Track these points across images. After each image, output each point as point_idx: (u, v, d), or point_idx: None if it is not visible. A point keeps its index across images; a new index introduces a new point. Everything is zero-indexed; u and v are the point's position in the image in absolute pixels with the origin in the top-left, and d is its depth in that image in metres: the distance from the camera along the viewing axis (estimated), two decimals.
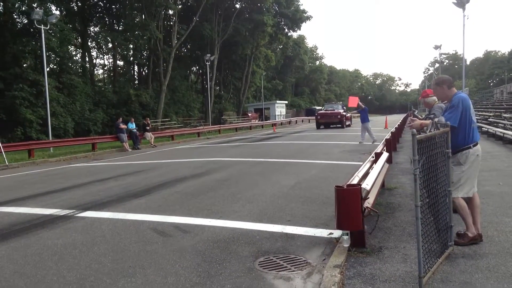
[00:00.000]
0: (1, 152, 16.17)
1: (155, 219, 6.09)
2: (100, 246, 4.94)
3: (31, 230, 5.83)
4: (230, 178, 9.78)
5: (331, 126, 33.42)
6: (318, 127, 33.06)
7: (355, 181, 4.88)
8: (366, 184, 4.87)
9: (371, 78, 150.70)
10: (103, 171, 12.58)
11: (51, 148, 20.84)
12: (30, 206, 7.48)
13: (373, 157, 7.16)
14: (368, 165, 6.36)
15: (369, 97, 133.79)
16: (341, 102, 38.06)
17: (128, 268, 4.18)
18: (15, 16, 29.71)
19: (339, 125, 32.70)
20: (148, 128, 24.17)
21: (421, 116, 7.14)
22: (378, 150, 7.98)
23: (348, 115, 34.93)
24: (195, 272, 4.01)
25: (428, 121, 4.63)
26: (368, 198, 4.86)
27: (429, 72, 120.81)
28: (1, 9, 28.47)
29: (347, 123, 34.20)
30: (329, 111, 33.72)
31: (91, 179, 10.74)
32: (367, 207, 4.66)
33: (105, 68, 50.64)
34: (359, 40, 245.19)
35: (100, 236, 5.36)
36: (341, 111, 33.30)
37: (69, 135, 28.62)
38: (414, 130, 3.44)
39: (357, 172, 5.56)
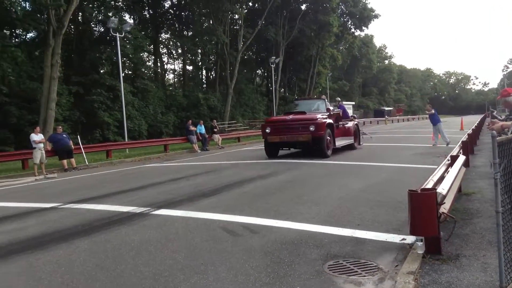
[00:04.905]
0: (82, 152, 17.45)
1: (224, 219, 6.24)
2: (173, 243, 5.16)
3: (110, 226, 6.22)
4: (296, 180, 9.78)
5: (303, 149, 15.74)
6: (268, 154, 15.45)
7: (429, 185, 4.68)
8: (442, 189, 4.64)
9: (444, 77, 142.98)
10: (175, 171, 13.13)
11: (127, 149, 22.12)
12: (109, 203, 7.99)
13: (448, 160, 6.81)
14: (443, 168, 6.06)
15: (443, 97, 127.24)
16: (329, 100, 18.13)
17: (200, 265, 4.33)
18: (93, 25, 31.99)
19: (317, 149, 14.30)
20: (215, 130, 24.84)
21: (501, 117, 6.65)
22: (454, 152, 7.59)
23: (349, 124, 17.43)
24: (265, 272, 4.06)
25: (509, 123, 4.33)
26: (444, 203, 4.64)
27: (508, 70, 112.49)
28: (80, 18, 30.72)
29: (343, 142, 15.99)
30: (292, 119, 14.94)
31: (164, 179, 11.26)
32: (443, 212, 4.45)
33: (175, 73, 52.79)
34: (431, 37, 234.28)
35: (173, 233, 5.60)
36: (320, 116, 14.67)
37: (143, 137, 30.19)
38: (494, 132, 3.24)
39: (431, 176, 5.32)
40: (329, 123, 14.78)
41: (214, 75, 44.09)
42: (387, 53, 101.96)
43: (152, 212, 6.98)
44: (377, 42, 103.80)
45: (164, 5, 40.41)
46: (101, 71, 30.91)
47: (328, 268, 4.11)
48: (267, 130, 14.92)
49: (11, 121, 22.85)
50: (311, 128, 14.02)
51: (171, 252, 4.81)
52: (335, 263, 4.22)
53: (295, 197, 7.74)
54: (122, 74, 24.05)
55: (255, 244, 4.95)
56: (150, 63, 41.11)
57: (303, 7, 47.33)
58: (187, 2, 38.51)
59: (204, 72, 48.23)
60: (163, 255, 4.73)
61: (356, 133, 17.77)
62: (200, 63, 45.61)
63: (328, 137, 14.50)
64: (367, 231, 5.27)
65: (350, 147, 16.73)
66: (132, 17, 35.95)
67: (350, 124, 17.60)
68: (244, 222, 6.00)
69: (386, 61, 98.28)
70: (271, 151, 15.48)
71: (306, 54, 50.31)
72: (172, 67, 51.82)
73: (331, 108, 16.02)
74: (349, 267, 4.11)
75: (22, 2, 27.18)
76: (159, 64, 42.27)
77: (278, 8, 43.37)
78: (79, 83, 27.90)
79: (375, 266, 4.14)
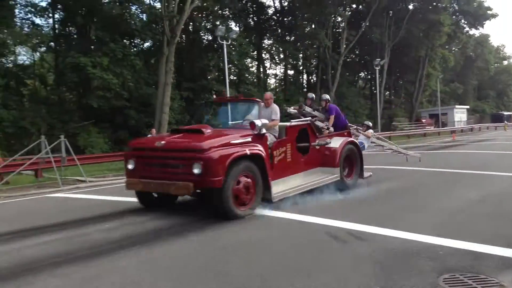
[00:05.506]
0: None
1: (328, 223, 6.17)
2: (279, 244, 5.25)
3: (220, 223, 6.45)
4: (402, 188, 9.35)
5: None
6: (142, 201, 7.90)
7: None
8: None
9: None
10: None
11: None
12: None
13: None
14: None
15: None
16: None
17: (306, 269, 4.34)
18: (202, 34, 33.93)
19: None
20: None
21: None
22: None
23: (334, 145, 8.92)
24: (374, 281, 3.94)
25: None
26: None
27: None
28: (191, 28, 32.81)
29: (304, 182, 8.16)
30: (165, 147, 7.01)
31: None
32: None
33: (277, 78, 53.64)
34: None
35: (278, 235, 5.70)
36: (222, 141, 6.81)
37: None
38: None
39: None
40: (247, 155, 6.85)
41: (315, 79, 43.95)
42: (505, 53, 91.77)
43: (258, 212, 7.16)
44: (494, 42, 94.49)
45: (268, 11, 41.42)
46: (209, 77, 32.64)
47: (443, 281, 3.86)
48: (129, 166, 7.55)
49: (131, 123, 25.32)
50: (196, 170, 6.46)
51: (277, 253, 4.89)
52: (451, 277, 3.95)
53: (403, 205, 7.41)
54: (227, 80, 25.12)
55: (362, 252, 4.83)
56: (253, 69, 42.38)
57: (411, 6, 44.96)
58: (290, 7, 38.97)
59: (305, 76, 48.33)
60: (269, 256, 4.83)
61: (351, 160, 9.47)
62: (301, 67, 45.80)
63: (242, 182, 6.78)
64: (486, 245, 4.84)
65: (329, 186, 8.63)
66: (237, 25, 37.41)
67: (335, 143, 9.02)
68: (348, 228, 5.88)
69: (505, 62, 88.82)
70: (146, 197, 7.90)
71: (414, 55, 47.58)
72: (274, 72, 52.73)
73: (262, 123, 7.21)
74: (467, 282, 3.82)
75: (140, 14, 30.07)
76: (261, 69, 43.35)
77: (383, 9, 41.78)
78: (189, 89, 29.81)
79: (497, 282, 3.80)
